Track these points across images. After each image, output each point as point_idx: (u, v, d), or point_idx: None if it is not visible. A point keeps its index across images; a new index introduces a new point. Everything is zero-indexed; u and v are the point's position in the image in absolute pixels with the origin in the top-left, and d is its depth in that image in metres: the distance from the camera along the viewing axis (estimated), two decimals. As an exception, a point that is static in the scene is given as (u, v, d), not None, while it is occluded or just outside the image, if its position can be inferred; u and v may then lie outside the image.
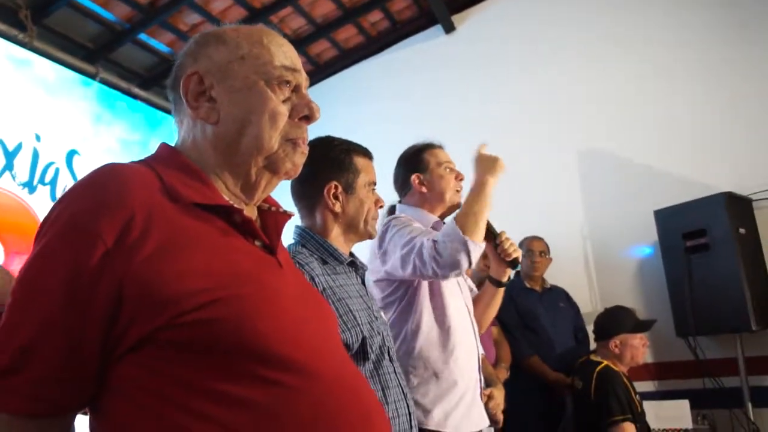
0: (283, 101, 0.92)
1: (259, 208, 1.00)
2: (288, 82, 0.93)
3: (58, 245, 0.74)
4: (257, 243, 0.90)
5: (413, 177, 2.08)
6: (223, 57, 0.92)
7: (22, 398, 0.72)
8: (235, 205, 0.88)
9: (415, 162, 2.11)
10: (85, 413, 0.81)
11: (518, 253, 2.01)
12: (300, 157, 0.95)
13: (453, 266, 1.73)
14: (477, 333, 2.02)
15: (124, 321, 0.73)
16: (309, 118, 0.95)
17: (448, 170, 2.08)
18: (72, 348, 0.72)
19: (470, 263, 1.75)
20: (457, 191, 2.08)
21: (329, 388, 0.80)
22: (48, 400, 0.73)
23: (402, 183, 2.14)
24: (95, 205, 0.75)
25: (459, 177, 2.09)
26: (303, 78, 0.96)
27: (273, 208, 1.01)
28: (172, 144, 0.97)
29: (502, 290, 2.12)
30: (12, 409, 0.72)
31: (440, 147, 2.15)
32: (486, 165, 1.89)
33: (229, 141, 0.90)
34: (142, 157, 0.92)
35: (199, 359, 0.73)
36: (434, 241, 1.74)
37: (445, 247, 1.71)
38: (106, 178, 0.80)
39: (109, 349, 0.74)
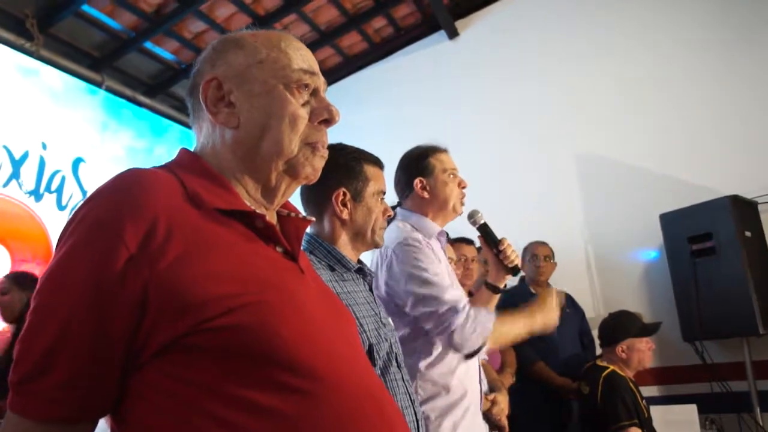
0: (303, 105, 0.92)
1: (278, 214, 0.99)
2: (307, 85, 0.93)
3: (82, 250, 0.74)
4: (278, 249, 0.89)
5: (416, 181, 2.02)
6: (242, 62, 0.92)
7: (45, 403, 0.72)
8: (257, 211, 0.88)
9: (419, 165, 2.04)
10: None
11: (518, 260, 1.98)
12: (319, 161, 0.95)
13: (466, 351, 1.78)
14: None
15: (148, 326, 0.73)
16: (329, 122, 0.95)
17: (452, 177, 2.03)
18: (95, 353, 0.72)
19: (473, 357, 1.83)
20: (460, 199, 2.04)
21: (351, 396, 0.79)
22: (71, 405, 0.73)
23: (404, 186, 2.07)
24: (119, 210, 0.75)
25: (462, 185, 2.05)
26: (321, 81, 0.97)
27: (292, 214, 1.00)
28: (191, 149, 0.97)
29: (497, 297, 2.03)
30: (35, 414, 0.72)
31: (445, 151, 2.09)
32: (546, 312, 1.93)
33: (249, 145, 0.90)
34: (163, 163, 0.93)
35: (223, 365, 0.73)
36: (467, 318, 1.75)
37: (473, 337, 1.75)
38: (130, 183, 0.80)
39: (133, 354, 0.74)
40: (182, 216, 0.79)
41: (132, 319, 0.73)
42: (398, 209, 2.09)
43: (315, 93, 0.95)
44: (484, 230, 1.98)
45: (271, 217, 0.96)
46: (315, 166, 0.94)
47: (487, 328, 1.76)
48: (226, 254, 0.79)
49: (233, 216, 0.85)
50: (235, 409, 0.72)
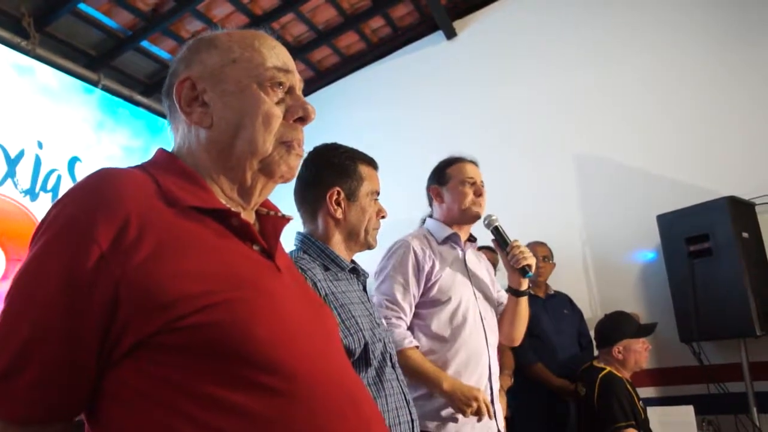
0: (277, 103, 0.91)
1: (257, 213, 0.99)
2: (281, 83, 0.93)
3: (53, 249, 0.74)
4: (255, 247, 0.89)
5: (431, 188, 2.19)
6: (215, 61, 0.92)
7: (17, 403, 0.71)
8: (232, 209, 0.87)
9: (438, 175, 2.19)
10: None
11: (528, 261, 2.02)
12: (295, 160, 0.93)
13: None
14: (490, 342, 2.02)
15: (121, 325, 0.72)
16: (304, 120, 0.94)
17: (467, 185, 2.11)
18: (67, 353, 0.72)
19: None
20: (474, 203, 2.11)
21: (327, 395, 0.78)
22: (44, 405, 0.72)
23: (427, 194, 2.24)
24: (90, 208, 0.75)
25: (477, 192, 2.12)
26: (296, 79, 0.96)
27: (271, 213, 1.00)
28: (169, 150, 0.96)
29: (524, 299, 2.12)
30: (6, 414, 0.72)
31: (470, 162, 2.19)
32: (462, 387, 1.84)
33: (222, 145, 0.90)
34: (139, 162, 0.92)
35: (196, 364, 0.72)
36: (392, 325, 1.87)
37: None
38: (101, 182, 0.79)
39: (106, 353, 0.73)
40: (155, 214, 0.78)
41: (104, 318, 0.72)
42: (427, 218, 2.23)
43: (290, 91, 0.94)
44: (497, 233, 2.08)
45: (249, 216, 0.95)
46: (290, 165, 0.93)
47: (407, 345, 1.86)
48: (199, 252, 0.79)
49: (208, 214, 0.84)
50: (209, 409, 0.71)
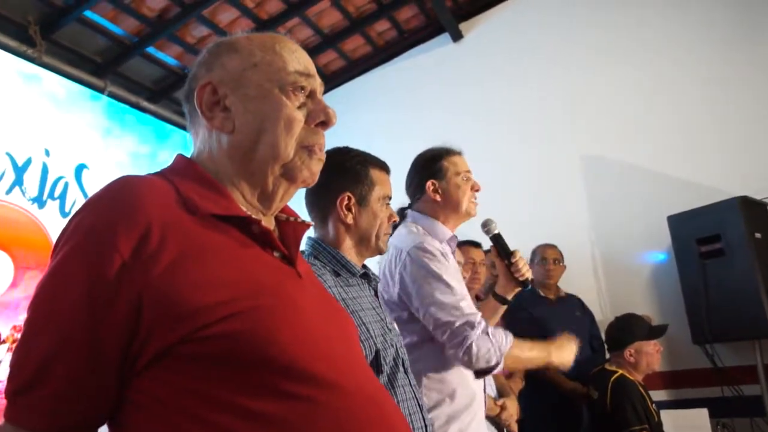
0: (299, 107, 0.91)
1: (276, 219, 0.98)
2: (302, 87, 0.92)
3: (75, 259, 0.74)
4: (276, 254, 0.88)
5: (428, 183, 1.98)
6: (237, 65, 0.91)
7: (42, 414, 0.71)
8: (253, 216, 0.87)
9: (432, 168, 2.01)
10: None
11: (529, 273, 1.98)
12: (317, 165, 0.93)
13: (477, 368, 1.75)
14: None
15: (143, 334, 0.72)
16: (326, 124, 0.93)
17: (465, 180, 1.99)
18: (91, 363, 0.71)
19: (485, 375, 1.83)
20: (472, 202, 2.00)
21: (352, 400, 0.78)
22: (68, 415, 0.72)
23: (415, 188, 2.04)
24: (111, 218, 0.74)
25: (475, 188, 2.01)
26: (317, 83, 0.95)
27: (291, 218, 0.99)
28: (188, 155, 0.96)
29: (504, 308, 2.03)
30: (32, 425, 0.72)
31: (459, 153, 2.06)
32: (562, 351, 1.91)
33: (244, 150, 0.89)
34: (159, 169, 0.92)
35: (220, 373, 0.72)
36: (486, 334, 1.72)
37: (487, 355, 1.71)
38: (122, 190, 0.79)
39: (129, 363, 0.73)
40: (176, 222, 0.78)
41: (127, 327, 0.72)
42: (409, 211, 2.07)
43: (312, 95, 0.94)
44: (497, 241, 1.98)
45: (269, 222, 0.94)
46: (312, 170, 0.92)
47: (502, 348, 1.72)
48: (221, 260, 0.78)
49: (229, 222, 0.84)
50: (233, 417, 0.71)
